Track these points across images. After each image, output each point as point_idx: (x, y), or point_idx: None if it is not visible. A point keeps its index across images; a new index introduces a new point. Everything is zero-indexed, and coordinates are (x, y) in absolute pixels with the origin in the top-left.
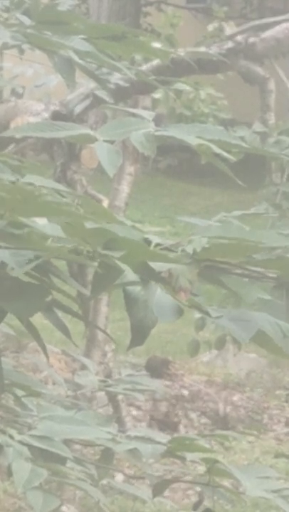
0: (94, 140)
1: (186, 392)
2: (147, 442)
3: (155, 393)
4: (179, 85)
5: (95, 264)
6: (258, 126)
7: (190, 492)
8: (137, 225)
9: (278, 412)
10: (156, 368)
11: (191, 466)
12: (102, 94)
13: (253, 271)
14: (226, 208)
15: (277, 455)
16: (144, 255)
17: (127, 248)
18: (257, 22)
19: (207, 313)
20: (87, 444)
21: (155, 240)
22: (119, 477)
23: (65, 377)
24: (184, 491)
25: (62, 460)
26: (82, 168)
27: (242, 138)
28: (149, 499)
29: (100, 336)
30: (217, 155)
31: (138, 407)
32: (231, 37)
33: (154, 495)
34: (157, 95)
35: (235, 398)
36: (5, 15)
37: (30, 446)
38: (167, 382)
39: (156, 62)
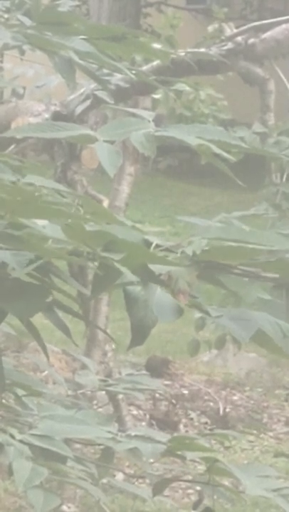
0: (94, 140)
1: (186, 392)
2: (147, 441)
3: (155, 392)
4: (179, 86)
5: (95, 265)
6: (257, 127)
7: (190, 491)
8: (137, 225)
9: (278, 412)
10: (156, 368)
11: (191, 465)
12: (102, 94)
13: (253, 272)
14: (226, 208)
15: (277, 454)
16: (143, 257)
17: (127, 250)
18: (257, 23)
19: (207, 313)
20: (87, 443)
21: (155, 241)
22: (120, 476)
23: (65, 377)
24: (184, 490)
25: (63, 459)
26: (82, 168)
27: (242, 138)
28: (149, 498)
29: (101, 335)
30: (217, 155)
31: (138, 407)
32: (231, 38)
33: (154, 494)
34: (157, 96)
35: (235, 398)
36: (6, 16)
37: (30, 446)
38: (167, 382)
39: (156, 63)
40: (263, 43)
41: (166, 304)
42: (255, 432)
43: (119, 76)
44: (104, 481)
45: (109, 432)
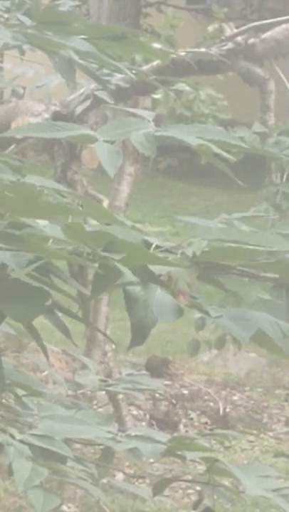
0: (94, 140)
1: (186, 392)
2: (147, 441)
3: (155, 392)
4: (179, 86)
5: (95, 265)
6: (257, 127)
7: (190, 491)
8: (137, 225)
9: (278, 412)
10: (156, 368)
11: (191, 465)
12: (102, 94)
13: (253, 273)
14: (226, 208)
15: (277, 454)
16: (143, 258)
17: (127, 251)
18: (257, 23)
19: (207, 313)
20: (87, 443)
21: (155, 242)
22: (120, 476)
23: (65, 377)
24: (184, 490)
25: (63, 459)
26: (82, 168)
27: (242, 138)
28: (149, 498)
29: (101, 335)
30: (217, 155)
31: (138, 407)
32: (231, 38)
33: (154, 494)
34: (157, 96)
35: (235, 397)
36: (6, 15)
37: (30, 446)
38: (167, 382)
39: (156, 63)
40: (263, 43)
41: (166, 304)
42: (255, 431)
43: (119, 76)
44: (104, 481)
45: (109, 432)
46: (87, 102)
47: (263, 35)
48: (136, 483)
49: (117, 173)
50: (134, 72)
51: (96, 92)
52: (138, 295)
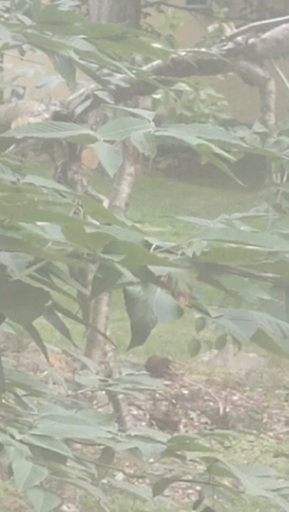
0: (94, 140)
1: (186, 392)
2: (147, 441)
3: (155, 392)
4: (180, 86)
5: (95, 267)
6: (258, 127)
7: (190, 491)
8: (137, 225)
9: (278, 412)
10: (157, 368)
11: (191, 465)
12: (102, 94)
13: (253, 273)
14: (226, 208)
15: (277, 454)
16: (143, 259)
17: (127, 252)
18: (257, 23)
19: (207, 314)
20: (87, 443)
21: (155, 242)
22: (120, 476)
23: (65, 377)
24: (184, 490)
25: (63, 459)
26: (82, 168)
27: (242, 138)
28: (150, 498)
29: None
30: (217, 155)
31: (138, 407)
32: (231, 38)
33: (154, 494)
34: (157, 96)
35: (235, 397)
36: (6, 15)
37: (30, 445)
38: (167, 382)
39: (156, 63)
40: (263, 43)
41: (166, 304)
42: (255, 431)
43: (119, 76)
44: (105, 481)
45: (109, 431)
46: (87, 102)
47: (263, 35)
48: (136, 483)
49: (117, 173)
50: (134, 72)
51: (96, 92)
52: (138, 295)
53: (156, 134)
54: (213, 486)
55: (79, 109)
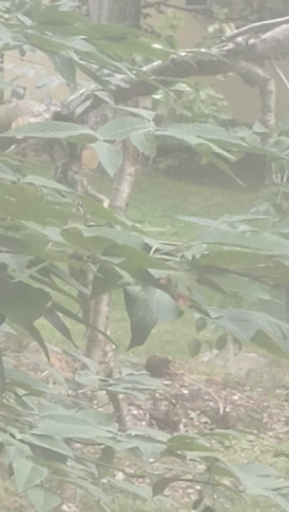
0: (94, 140)
1: (186, 392)
2: (147, 441)
3: (155, 392)
4: (180, 86)
5: (95, 269)
6: (258, 127)
7: (190, 490)
8: (137, 225)
9: (278, 411)
10: (157, 368)
11: (191, 465)
12: (102, 95)
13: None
14: (226, 208)
15: (277, 454)
16: (142, 262)
17: (126, 255)
18: (257, 23)
19: (207, 314)
20: (87, 442)
21: (155, 244)
22: (120, 476)
23: (65, 377)
24: (184, 489)
25: (63, 458)
26: (82, 168)
27: (242, 139)
28: (150, 497)
29: (101, 335)
30: (217, 155)
31: (138, 407)
32: (231, 38)
33: (155, 493)
34: (157, 96)
35: (235, 397)
36: (6, 16)
37: (31, 445)
38: (167, 382)
39: (156, 63)
40: (263, 44)
41: (165, 304)
42: (255, 431)
43: (119, 76)
44: (105, 480)
45: (109, 431)
46: (88, 103)
47: (264, 35)
48: (136, 482)
49: (117, 173)
50: (134, 72)
51: (96, 93)
52: (138, 295)
53: (156, 133)
54: (213, 485)
55: (79, 110)
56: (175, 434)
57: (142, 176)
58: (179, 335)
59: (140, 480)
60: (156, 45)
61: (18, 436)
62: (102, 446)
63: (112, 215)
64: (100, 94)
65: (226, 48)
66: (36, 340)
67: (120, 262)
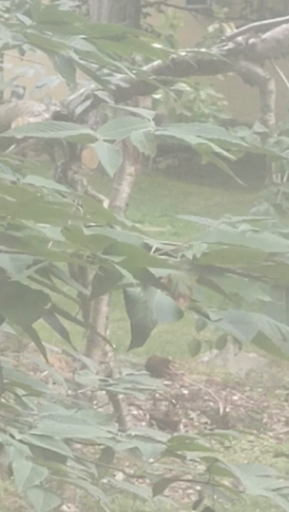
0: (94, 140)
1: (186, 392)
2: (147, 441)
3: (155, 392)
4: (180, 86)
5: (95, 268)
6: (258, 127)
7: (190, 491)
8: (137, 225)
9: (278, 412)
10: (157, 368)
11: (191, 465)
12: (102, 94)
13: (253, 275)
14: (226, 208)
15: (277, 454)
16: (143, 261)
17: (127, 254)
18: (257, 23)
19: (207, 316)
20: (87, 443)
21: (155, 244)
22: (120, 476)
23: (65, 377)
24: (184, 489)
25: (63, 459)
26: (82, 168)
27: (242, 138)
28: (150, 498)
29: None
30: (217, 154)
31: (138, 407)
32: (231, 38)
33: (154, 494)
34: (157, 96)
35: (235, 397)
36: (6, 15)
37: (30, 445)
38: (167, 382)
39: (156, 63)
40: (263, 43)
41: (165, 305)
42: (255, 431)
43: (119, 76)
44: (105, 480)
45: (109, 431)
46: (88, 102)
47: (264, 35)
48: (136, 483)
49: (117, 173)
50: (134, 72)
51: (96, 92)
52: (138, 296)
53: (156, 133)
54: (213, 485)
55: (79, 109)
56: (175, 434)
57: (142, 175)
58: (179, 335)
59: (140, 480)
60: (156, 45)
61: (18, 436)
62: (101, 447)
63: (112, 216)
64: (100, 93)
65: (226, 47)
66: (34, 342)
67: (121, 261)
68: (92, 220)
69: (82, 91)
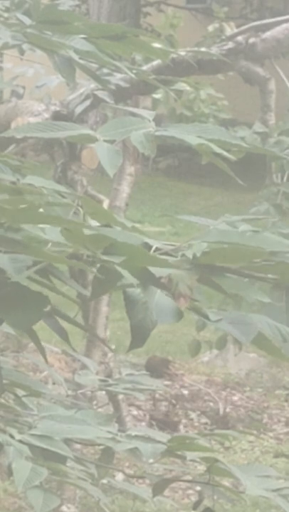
0: (94, 140)
1: (186, 392)
2: (147, 441)
3: (155, 393)
4: (180, 86)
5: (95, 269)
6: (258, 127)
7: (190, 491)
8: (137, 225)
9: (278, 412)
10: (156, 368)
11: (191, 466)
12: (102, 94)
13: (253, 274)
14: (226, 208)
15: (277, 455)
16: (143, 260)
17: (127, 254)
18: (257, 22)
19: (207, 317)
20: (87, 443)
21: (155, 244)
22: (120, 476)
23: (65, 377)
24: (184, 490)
25: (63, 459)
26: (82, 168)
27: (242, 138)
28: (149, 498)
29: (101, 335)
30: (217, 155)
31: (138, 407)
32: (232, 37)
33: (154, 494)
34: (158, 96)
35: (235, 398)
36: (5, 15)
37: (30, 446)
38: (167, 382)
39: (156, 62)
40: (263, 43)
41: (165, 306)
42: (255, 432)
43: (119, 76)
44: (104, 481)
45: (109, 432)
46: (87, 102)
47: (264, 34)
48: (136, 483)
49: (117, 173)
50: (134, 71)
51: (96, 92)
52: (138, 297)
53: (157, 133)
54: (213, 486)
55: (79, 109)
56: (175, 434)
57: (142, 176)
58: (179, 335)
59: (140, 481)
60: (156, 45)
61: (18, 436)
62: (101, 447)
63: (112, 216)
64: (100, 93)
65: (226, 47)
66: (34, 343)
67: (121, 261)
68: (90, 226)
69: (82, 91)
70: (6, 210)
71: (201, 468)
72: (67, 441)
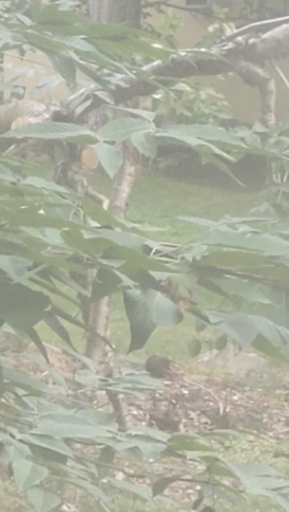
0: (94, 141)
1: (186, 392)
2: (147, 441)
3: (155, 392)
4: (180, 86)
5: (94, 272)
6: (258, 127)
7: (190, 491)
8: (137, 226)
9: (278, 412)
10: (157, 368)
11: (191, 465)
12: (102, 95)
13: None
14: (226, 208)
15: (277, 454)
16: (143, 264)
17: (126, 257)
18: (257, 23)
19: (206, 320)
20: (87, 442)
21: (155, 246)
22: (120, 476)
23: (65, 377)
24: (184, 489)
25: (63, 459)
26: (82, 168)
27: (242, 139)
28: (150, 498)
29: (101, 335)
30: (217, 155)
31: (138, 407)
32: (231, 38)
33: (154, 493)
34: (158, 96)
35: (235, 397)
36: (6, 15)
37: (30, 445)
38: (167, 382)
39: (156, 63)
40: (263, 43)
41: (165, 307)
42: (255, 431)
43: (119, 76)
44: (105, 480)
45: (109, 431)
46: (88, 102)
47: (264, 35)
48: (136, 482)
49: (117, 173)
50: (134, 72)
51: (96, 92)
52: (137, 298)
53: (157, 134)
54: (213, 485)
55: (79, 110)
56: (175, 434)
57: (142, 175)
58: (179, 335)
59: (140, 480)
60: (156, 45)
61: (18, 436)
62: (102, 446)
63: (112, 217)
64: (100, 94)
65: (226, 47)
66: (35, 342)
67: (120, 265)
68: (89, 228)
69: (82, 91)
70: (6, 212)
71: (201, 467)
72: (68, 441)
